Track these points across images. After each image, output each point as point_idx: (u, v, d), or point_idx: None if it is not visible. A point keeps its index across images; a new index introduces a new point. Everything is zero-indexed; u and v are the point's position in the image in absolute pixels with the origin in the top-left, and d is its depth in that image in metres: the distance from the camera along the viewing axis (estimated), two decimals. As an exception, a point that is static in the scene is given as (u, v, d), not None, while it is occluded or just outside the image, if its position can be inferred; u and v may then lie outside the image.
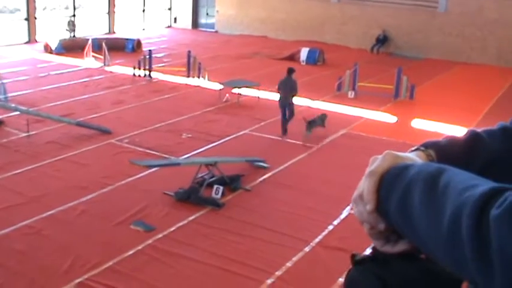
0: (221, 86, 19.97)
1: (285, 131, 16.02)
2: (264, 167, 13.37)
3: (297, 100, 16.98)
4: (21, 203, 11.24)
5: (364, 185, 1.34)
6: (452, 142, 1.53)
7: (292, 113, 16.13)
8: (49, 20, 33.85)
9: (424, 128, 17.56)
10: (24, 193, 11.70)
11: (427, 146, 1.50)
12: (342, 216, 11.06)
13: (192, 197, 11.22)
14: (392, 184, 1.28)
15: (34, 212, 10.76)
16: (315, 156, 14.62)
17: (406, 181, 1.24)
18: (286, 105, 16.11)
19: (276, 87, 16.67)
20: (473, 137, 1.53)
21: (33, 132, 15.43)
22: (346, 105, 19.61)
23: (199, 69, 22.53)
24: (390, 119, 18.54)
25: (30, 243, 9.67)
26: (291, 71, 16.62)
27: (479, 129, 1.58)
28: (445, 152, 1.48)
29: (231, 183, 12.05)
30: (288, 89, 16.16)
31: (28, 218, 10.52)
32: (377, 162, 1.36)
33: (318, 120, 15.99)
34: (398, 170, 1.30)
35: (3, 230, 10.05)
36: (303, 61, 27.14)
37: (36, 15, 32.44)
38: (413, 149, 1.50)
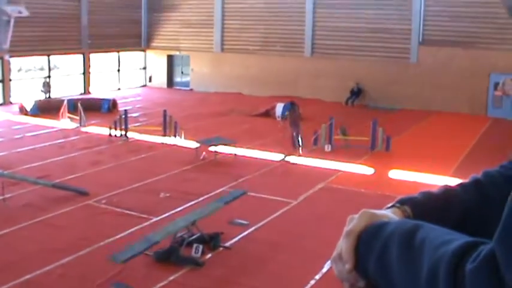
0: (198, 144, 20.01)
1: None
2: (244, 224, 13.32)
3: (272, 156, 17.12)
4: (-4, 268, 11.06)
5: (342, 245, 1.35)
6: (427, 198, 1.55)
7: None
8: (24, 82, 33.88)
9: (401, 179, 17.68)
10: (0, 258, 11.52)
11: (402, 203, 1.51)
12: (323, 270, 10.99)
13: (172, 256, 11.11)
14: (369, 243, 1.29)
15: (11, 277, 10.56)
16: (294, 211, 14.60)
17: (383, 239, 1.26)
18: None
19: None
20: (447, 192, 1.55)
21: (9, 195, 15.21)
22: (323, 158, 19.71)
23: (175, 127, 22.57)
24: (367, 171, 18.65)
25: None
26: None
27: (453, 184, 1.61)
28: (420, 208, 1.50)
29: (210, 241, 11.96)
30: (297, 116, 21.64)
31: (3, 284, 10.31)
32: (354, 222, 1.38)
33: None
34: (375, 229, 1.31)
35: (-22, 297, 9.87)
36: (278, 116, 27.31)
37: (10, 77, 32.49)
38: (389, 206, 1.52)
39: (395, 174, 18.16)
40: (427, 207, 1.50)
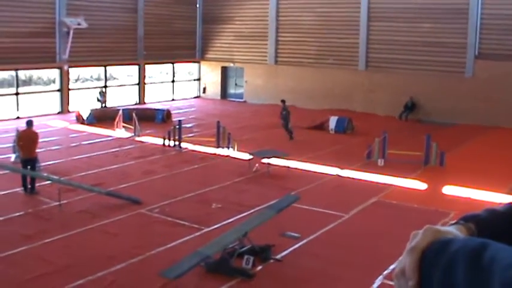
0: (251, 156, 20.06)
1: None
2: (295, 237, 13.27)
3: (325, 169, 17.04)
4: (51, 271, 11.26)
5: (406, 261, 1.33)
6: (491, 215, 1.51)
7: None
8: (81, 91, 34.52)
9: (455, 195, 17.34)
10: (55, 262, 11.73)
11: (467, 220, 1.48)
12: (375, 286, 10.88)
13: (222, 267, 11.12)
14: (434, 260, 1.27)
15: (64, 281, 10.74)
16: (346, 224, 14.48)
17: (448, 257, 1.23)
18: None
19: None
20: None
21: (65, 201, 15.55)
22: (376, 173, 19.52)
23: (228, 139, 22.67)
24: (421, 186, 18.38)
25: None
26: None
27: None
28: (485, 225, 1.46)
29: (261, 253, 11.94)
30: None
31: (57, 287, 10.50)
32: (418, 238, 1.35)
33: None
34: (440, 246, 1.29)
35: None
36: (332, 129, 27.22)
37: (69, 87, 33.16)
38: (453, 222, 1.49)
39: (449, 190, 17.86)
40: (492, 225, 1.47)
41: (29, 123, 17.12)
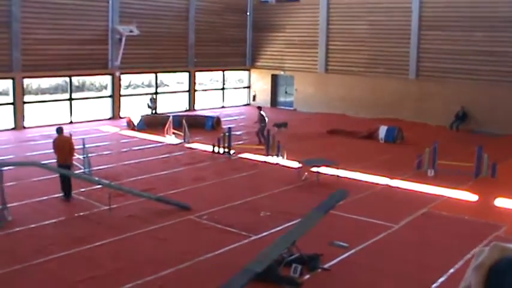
0: (300, 165, 20.01)
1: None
2: (343, 246, 13.17)
3: (374, 179, 16.91)
4: (101, 274, 11.42)
5: (472, 279, 1.29)
6: None
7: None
8: (132, 97, 34.95)
9: (508, 207, 16.98)
10: (104, 265, 11.90)
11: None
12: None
13: (270, 275, 11.08)
14: (501, 278, 1.23)
15: (113, 284, 10.87)
16: (395, 235, 14.30)
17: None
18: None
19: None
20: None
21: (115, 206, 15.74)
22: (425, 183, 19.25)
23: (278, 147, 22.65)
24: (471, 198, 18.05)
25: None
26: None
27: None
28: None
29: (309, 262, 11.88)
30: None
31: (106, 291, 10.65)
32: (484, 254, 1.31)
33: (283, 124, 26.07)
34: (508, 263, 1.25)
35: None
36: (382, 139, 26.99)
37: (120, 93, 33.62)
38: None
39: (501, 202, 17.48)
40: None
41: (59, 130, 17.28)
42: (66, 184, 16.71)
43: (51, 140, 17.47)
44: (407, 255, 12.95)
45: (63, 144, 16.90)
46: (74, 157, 17.52)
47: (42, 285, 10.96)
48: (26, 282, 11.15)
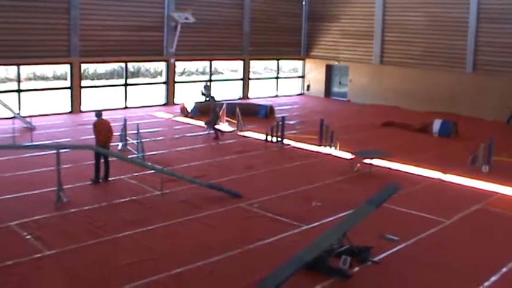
0: (353, 156, 19.87)
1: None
2: (394, 240, 13.02)
3: (427, 172, 16.69)
4: (152, 258, 11.53)
5: None
6: None
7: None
8: (186, 84, 35.18)
9: None
10: (155, 249, 12.01)
11: None
12: (479, 297, 10.53)
13: (320, 266, 11.03)
14: None
15: (163, 268, 10.96)
16: (447, 231, 14.06)
17: None
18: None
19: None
20: None
21: (167, 191, 15.89)
22: (479, 179, 18.88)
23: (331, 137, 22.52)
24: (529, 196, 17.64)
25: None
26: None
27: None
28: None
29: (359, 254, 11.78)
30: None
31: (157, 273, 10.73)
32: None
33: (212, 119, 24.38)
34: None
35: (131, 284, 10.30)
36: (436, 133, 26.58)
37: (175, 79, 33.87)
38: None
39: (560, 201, 17.05)
40: None
41: (98, 114, 17.54)
42: (105, 167, 17.10)
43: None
44: (459, 251, 12.72)
45: (102, 128, 17.23)
46: (112, 141, 17.91)
47: (92, 266, 11.12)
48: (77, 262, 11.34)
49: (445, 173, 19.47)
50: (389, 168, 19.49)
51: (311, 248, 10.98)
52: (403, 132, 27.13)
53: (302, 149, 22.70)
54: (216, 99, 25.26)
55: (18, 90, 28.22)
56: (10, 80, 29.40)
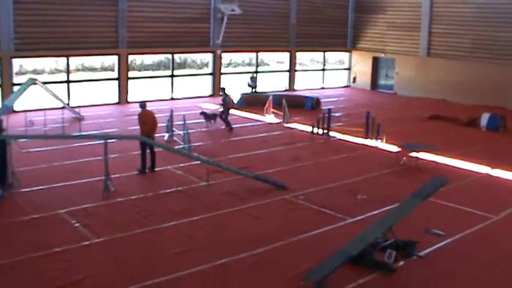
0: (399, 149, 19.71)
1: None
2: (440, 235, 12.88)
3: (474, 167, 16.46)
4: (197, 248, 11.65)
5: None
6: None
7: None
8: (232, 75, 35.30)
9: None
10: (200, 239, 12.13)
11: None
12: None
13: (364, 259, 10.96)
14: None
15: (208, 258, 11.05)
16: (494, 226, 13.84)
17: None
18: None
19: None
20: None
21: (212, 182, 15.99)
22: (530, 175, 18.57)
23: (377, 130, 22.36)
24: None
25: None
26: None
27: None
28: None
29: (404, 248, 11.68)
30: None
31: (201, 264, 10.84)
32: None
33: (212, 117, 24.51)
34: None
35: (176, 273, 10.43)
36: (484, 127, 26.16)
37: (221, 71, 34.00)
38: None
39: None
40: None
41: (143, 105, 17.74)
42: (152, 157, 17.31)
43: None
44: (506, 247, 12.53)
45: (146, 118, 17.43)
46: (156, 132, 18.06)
47: (138, 255, 11.28)
48: (124, 250, 11.53)
49: (493, 167, 19.17)
50: (436, 162, 19.27)
51: (356, 241, 10.93)
52: (450, 125, 26.78)
53: (348, 141, 22.60)
54: (227, 92, 24.64)
55: (68, 81, 28.68)
56: (60, 71, 29.90)
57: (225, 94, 24.42)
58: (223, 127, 24.13)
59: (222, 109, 24.50)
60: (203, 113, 24.64)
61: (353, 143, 22.35)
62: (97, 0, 28.93)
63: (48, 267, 10.61)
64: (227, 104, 24.33)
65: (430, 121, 27.86)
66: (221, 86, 25.69)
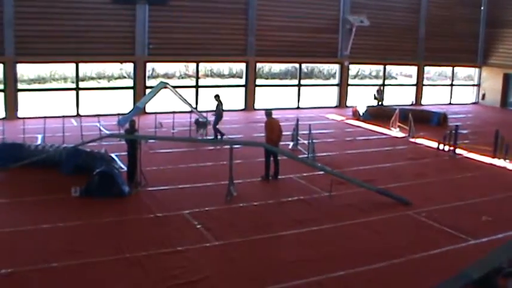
0: (528, 170, 19.01)
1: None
2: None
3: None
4: (314, 258, 11.66)
5: None
6: None
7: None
8: (359, 87, 35.18)
9: None
10: (319, 250, 12.15)
11: None
12: None
13: (487, 284, 10.57)
14: None
15: (325, 269, 11.04)
16: None
17: None
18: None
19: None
20: None
21: (335, 193, 15.99)
22: None
23: (506, 150, 21.61)
24: None
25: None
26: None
27: None
28: None
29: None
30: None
31: (318, 274, 10.84)
32: None
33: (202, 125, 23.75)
34: None
35: (293, 282, 10.48)
36: None
37: (348, 82, 33.96)
38: None
39: None
40: None
41: (269, 113, 17.93)
42: (275, 165, 17.54)
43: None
44: None
45: (272, 126, 17.65)
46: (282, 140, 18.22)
47: (257, 260, 11.45)
48: (243, 254, 11.77)
49: None
50: None
51: (479, 265, 10.59)
52: None
53: (474, 159, 21.97)
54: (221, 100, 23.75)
55: (196, 86, 29.50)
56: (189, 76, 30.82)
57: (219, 102, 23.86)
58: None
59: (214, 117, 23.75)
60: (196, 121, 24.29)
61: (480, 161, 21.70)
62: (227, 9, 29.64)
63: (170, 264, 11.00)
64: (219, 111, 23.70)
65: None
66: (215, 94, 24.29)
